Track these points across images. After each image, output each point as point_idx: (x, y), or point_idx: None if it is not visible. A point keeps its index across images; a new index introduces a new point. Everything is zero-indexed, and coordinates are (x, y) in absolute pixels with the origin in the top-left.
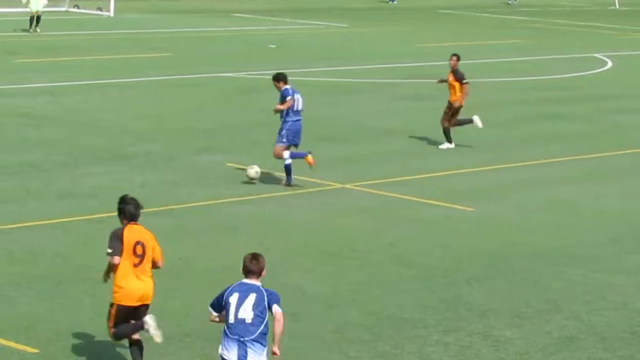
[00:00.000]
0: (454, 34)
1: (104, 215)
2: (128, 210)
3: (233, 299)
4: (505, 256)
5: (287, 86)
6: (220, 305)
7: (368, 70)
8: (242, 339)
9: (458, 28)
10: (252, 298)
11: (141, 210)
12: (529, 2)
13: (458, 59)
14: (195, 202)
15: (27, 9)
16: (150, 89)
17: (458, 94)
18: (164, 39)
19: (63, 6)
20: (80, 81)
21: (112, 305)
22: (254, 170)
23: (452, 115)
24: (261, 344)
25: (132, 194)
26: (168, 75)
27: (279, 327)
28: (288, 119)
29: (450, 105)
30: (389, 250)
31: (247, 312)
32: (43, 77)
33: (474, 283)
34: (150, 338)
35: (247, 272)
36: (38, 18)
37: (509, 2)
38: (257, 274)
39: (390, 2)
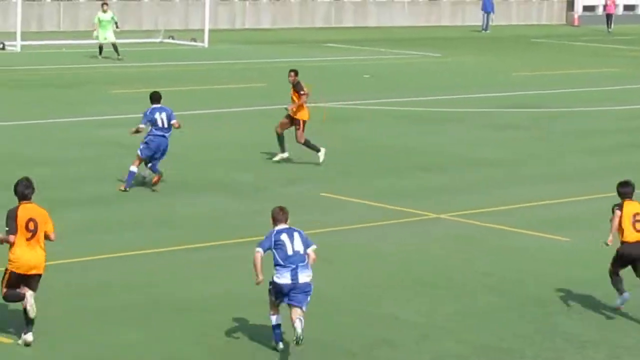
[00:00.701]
0: (547, 62)
1: (198, 245)
2: (19, 190)
3: (285, 239)
4: (603, 286)
5: (155, 106)
6: (270, 243)
7: (461, 99)
8: (294, 266)
9: (552, 57)
10: (297, 236)
11: (32, 189)
12: (623, 31)
13: (296, 74)
14: None
15: (104, 40)
16: (243, 119)
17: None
18: (258, 69)
19: (158, 37)
20: (176, 111)
21: (6, 270)
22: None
23: (301, 130)
24: (307, 266)
25: (226, 223)
26: (261, 105)
27: (312, 257)
28: (150, 134)
29: (290, 117)
30: (484, 280)
31: (299, 246)
32: (139, 107)
33: (571, 313)
34: None
35: (279, 221)
36: (115, 47)
37: (609, 30)
38: (286, 220)
39: (483, 32)
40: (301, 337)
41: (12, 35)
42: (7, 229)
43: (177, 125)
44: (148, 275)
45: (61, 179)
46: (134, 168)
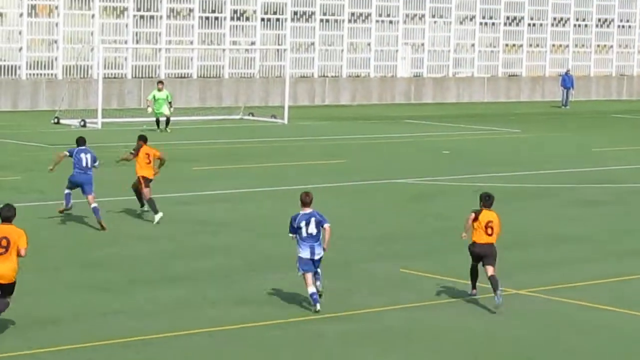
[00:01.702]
0: (628, 138)
1: (280, 321)
2: (3, 215)
3: (303, 224)
4: None
5: (80, 147)
6: (294, 229)
7: (542, 175)
8: (310, 243)
9: (632, 132)
10: (313, 220)
11: (13, 212)
12: None
13: (143, 139)
14: (370, 309)
15: (159, 114)
16: (324, 195)
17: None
18: (338, 145)
19: (238, 114)
20: (256, 188)
21: None
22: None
23: (143, 185)
24: (320, 245)
25: (308, 300)
26: (342, 181)
27: (327, 235)
28: (74, 170)
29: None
30: (568, 359)
31: (313, 229)
32: (220, 184)
33: None
34: None
35: (305, 205)
36: (167, 120)
37: None
38: (310, 204)
39: (563, 107)
40: (321, 291)
41: (93, 113)
42: None
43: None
44: (232, 353)
45: (147, 255)
46: (67, 191)
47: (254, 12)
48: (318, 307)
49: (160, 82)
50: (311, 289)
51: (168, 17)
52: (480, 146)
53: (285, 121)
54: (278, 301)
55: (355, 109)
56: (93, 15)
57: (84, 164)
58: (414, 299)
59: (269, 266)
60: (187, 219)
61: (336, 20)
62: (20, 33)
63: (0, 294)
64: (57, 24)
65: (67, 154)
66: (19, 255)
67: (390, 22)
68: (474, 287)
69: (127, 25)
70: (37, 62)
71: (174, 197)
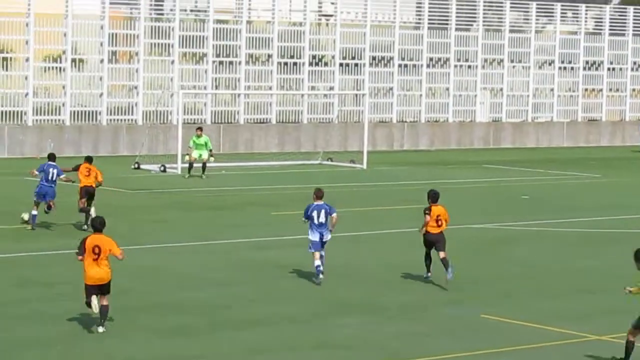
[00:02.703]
0: None
1: None
2: (95, 226)
3: (314, 213)
4: None
5: (49, 162)
6: (307, 215)
7: (623, 220)
8: (320, 230)
9: None
10: (323, 211)
11: (104, 224)
12: None
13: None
14: (449, 354)
15: (198, 158)
16: (402, 240)
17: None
18: (417, 190)
19: (316, 159)
20: (335, 233)
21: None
22: (26, 215)
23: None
24: (328, 230)
25: (386, 345)
26: (418, 227)
27: (333, 222)
28: (41, 184)
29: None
30: None
31: (323, 218)
32: (298, 229)
33: None
34: None
35: (317, 197)
36: (204, 165)
37: None
38: (322, 198)
39: None
40: (321, 271)
41: (173, 158)
42: (77, 251)
43: (64, 180)
44: None
45: (227, 300)
46: (34, 211)
47: (333, 57)
48: (320, 277)
49: (199, 128)
50: (317, 263)
51: (247, 62)
52: (560, 191)
53: (364, 166)
54: (356, 345)
55: (434, 153)
56: (173, 61)
57: (50, 177)
58: (493, 345)
59: (347, 311)
60: (267, 263)
61: (414, 65)
62: (100, 79)
63: (98, 293)
64: (137, 70)
65: (37, 173)
66: (117, 258)
67: (469, 66)
68: (428, 270)
69: (206, 71)
70: (118, 108)
71: (253, 241)
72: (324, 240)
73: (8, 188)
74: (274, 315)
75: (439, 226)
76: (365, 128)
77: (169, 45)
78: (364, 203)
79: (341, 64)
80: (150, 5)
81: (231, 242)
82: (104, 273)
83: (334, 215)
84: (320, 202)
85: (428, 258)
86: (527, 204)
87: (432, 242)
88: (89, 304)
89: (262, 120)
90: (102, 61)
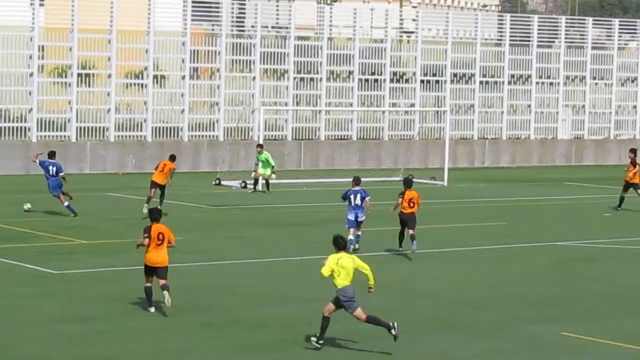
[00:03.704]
0: None
1: None
2: (153, 216)
3: (352, 197)
4: None
5: (50, 160)
6: (346, 197)
7: None
8: (355, 210)
9: None
10: (359, 195)
11: (161, 214)
12: None
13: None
14: None
15: (263, 173)
16: (483, 257)
17: None
18: (498, 207)
19: (397, 176)
20: (417, 250)
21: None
22: (27, 205)
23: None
24: (363, 211)
25: None
26: (502, 244)
27: (367, 205)
28: (47, 179)
29: None
30: None
31: (359, 201)
32: (380, 245)
33: None
34: None
35: (355, 184)
36: (267, 182)
37: None
38: (359, 184)
39: None
40: (357, 245)
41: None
42: (144, 235)
43: (62, 177)
44: None
45: (309, 316)
46: (66, 203)
47: (414, 74)
48: (354, 247)
49: (260, 145)
50: (350, 237)
51: (328, 79)
52: None
53: (445, 183)
54: None
55: (515, 171)
56: (254, 78)
57: (50, 173)
58: None
59: (431, 328)
60: None
61: (496, 82)
62: (182, 95)
63: (157, 275)
64: (218, 86)
65: (37, 161)
66: (170, 245)
67: (551, 83)
68: (400, 245)
69: (287, 88)
70: (199, 124)
71: None
72: (358, 219)
73: (90, 204)
74: (357, 332)
75: (411, 207)
76: (446, 145)
77: (250, 61)
78: (444, 220)
79: (422, 81)
80: (232, 21)
81: (310, 258)
82: (164, 257)
83: (367, 199)
84: (357, 188)
85: (402, 234)
86: (609, 222)
87: (405, 221)
88: (147, 290)
89: (343, 137)
90: (183, 77)
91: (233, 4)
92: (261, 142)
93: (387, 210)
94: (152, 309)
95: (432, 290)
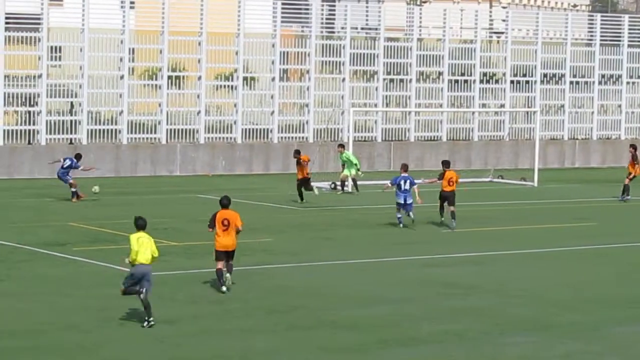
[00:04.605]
0: None
1: None
2: (223, 203)
3: (401, 183)
4: None
5: (66, 157)
6: (396, 183)
7: None
8: (404, 194)
9: None
10: (408, 181)
11: (229, 201)
12: None
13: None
14: None
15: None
16: (573, 258)
17: None
18: (588, 208)
19: (487, 177)
20: (505, 251)
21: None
22: (95, 188)
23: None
24: (410, 196)
25: None
26: (593, 244)
27: (416, 191)
28: (63, 169)
29: None
30: None
31: (407, 186)
32: (469, 246)
33: None
34: None
35: (404, 170)
36: (355, 182)
37: None
38: (407, 170)
39: None
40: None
41: (335, 177)
42: (209, 223)
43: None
44: None
45: (396, 317)
46: (73, 189)
47: (504, 74)
48: (403, 224)
49: (340, 145)
50: (398, 215)
51: (417, 80)
52: None
53: (535, 184)
54: None
55: (606, 171)
56: (343, 79)
57: (62, 166)
58: None
59: (519, 329)
60: (436, 281)
61: (586, 82)
62: (272, 97)
63: (226, 258)
64: (308, 88)
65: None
66: (237, 231)
67: None
68: (442, 216)
69: (377, 89)
70: (289, 126)
71: (422, 259)
72: (407, 202)
73: (180, 206)
74: (441, 333)
75: (450, 185)
76: (536, 145)
77: (339, 63)
78: (535, 221)
79: (512, 81)
80: (322, 23)
81: (400, 259)
82: (231, 241)
83: (415, 187)
84: (405, 174)
85: (442, 209)
86: None
87: (445, 198)
88: (219, 273)
89: (432, 138)
90: (273, 79)
91: (323, 5)
92: (345, 142)
93: (479, 212)
94: (224, 288)
95: (522, 290)
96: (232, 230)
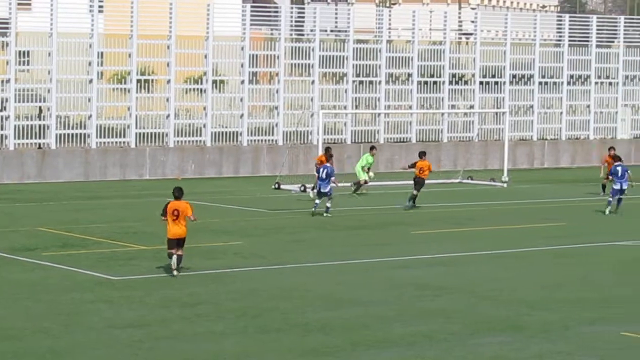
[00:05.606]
0: None
1: None
2: (174, 194)
3: (321, 170)
4: None
5: None
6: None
7: None
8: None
9: None
10: (325, 170)
11: (182, 193)
12: None
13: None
14: None
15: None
16: (541, 258)
17: None
18: (557, 208)
19: (457, 177)
20: (475, 252)
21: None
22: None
23: None
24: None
25: None
26: (561, 244)
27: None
28: None
29: None
30: None
31: (324, 175)
32: (439, 247)
33: None
34: None
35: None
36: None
37: None
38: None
39: None
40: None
41: (313, 178)
42: (162, 212)
43: None
44: None
45: (367, 319)
46: None
47: (473, 75)
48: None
49: (373, 146)
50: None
51: (387, 82)
52: None
53: (505, 184)
54: None
55: (575, 171)
56: (313, 82)
57: None
58: None
59: (490, 330)
60: (406, 282)
61: (555, 83)
62: (241, 100)
63: (177, 245)
64: (277, 91)
65: None
66: (192, 220)
67: (610, 83)
68: (410, 200)
69: (346, 91)
70: (258, 129)
71: (393, 260)
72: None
73: (150, 209)
74: (412, 334)
75: (420, 173)
76: (505, 146)
77: (309, 65)
78: (504, 221)
79: (481, 82)
80: (291, 25)
81: (370, 261)
82: (181, 229)
83: (332, 177)
84: (327, 164)
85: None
86: None
87: (415, 182)
88: (170, 255)
89: (402, 140)
90: (242, 82)
91: (292, 8)
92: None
93: (448, 214)
94: (175, 272)
95: (491, 291)
96: (182, 219)
